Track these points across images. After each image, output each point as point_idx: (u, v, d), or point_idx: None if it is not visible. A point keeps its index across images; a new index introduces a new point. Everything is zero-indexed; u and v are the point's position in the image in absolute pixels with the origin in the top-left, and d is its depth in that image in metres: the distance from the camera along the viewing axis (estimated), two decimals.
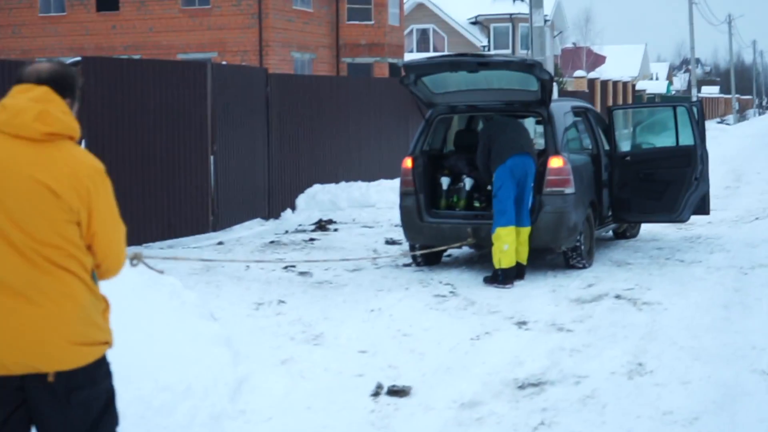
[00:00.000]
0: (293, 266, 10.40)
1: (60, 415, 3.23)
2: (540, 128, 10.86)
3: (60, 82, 3.29)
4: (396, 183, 17.39)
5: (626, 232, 12.39)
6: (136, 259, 4.25)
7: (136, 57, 31.24)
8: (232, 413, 5.40)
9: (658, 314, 7.96)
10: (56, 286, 3.18)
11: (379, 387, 5.99)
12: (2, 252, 3.15)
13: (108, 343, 3.35)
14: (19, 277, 3.15)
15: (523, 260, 9.56)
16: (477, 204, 10.47)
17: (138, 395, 4.93)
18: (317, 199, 15.55)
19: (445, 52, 50.34)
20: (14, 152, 3.17)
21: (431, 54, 49.04)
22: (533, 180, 9.62)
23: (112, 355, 3.37)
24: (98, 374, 3.30)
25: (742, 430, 5.16)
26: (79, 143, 3.42)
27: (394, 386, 5.98)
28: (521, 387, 6.03)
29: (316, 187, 15.82)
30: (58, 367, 3.17)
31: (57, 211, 3.17)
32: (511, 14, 53.22)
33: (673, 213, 11.16)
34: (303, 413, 5.56)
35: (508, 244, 9.27)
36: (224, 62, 29.79)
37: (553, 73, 9.89)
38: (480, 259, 10.54)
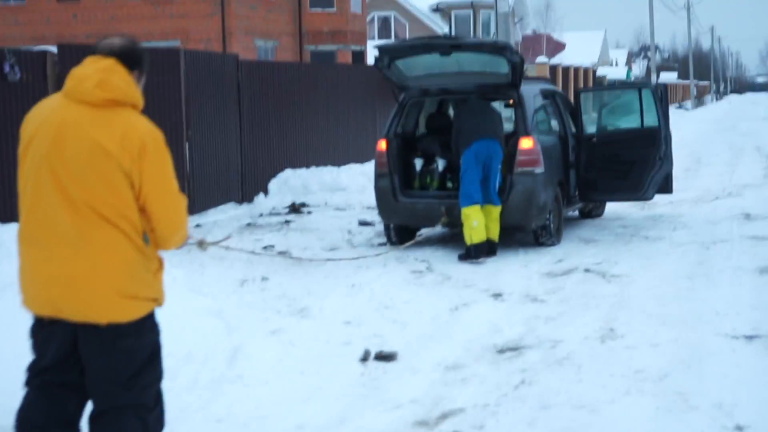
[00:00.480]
0: (272, 246, 10.68)
1: (105, 359, 3.57)
2: (510, 110, 11.19)
3: (128, 56, 3.63)
4: (365, 167, 17.78)
5: (592, 212, 12.79)
6: (203, 244, 4.53)
7: None
8: (230, 377, 5.69)
9: (626, 285, 8.35)
10: (103, 241, 3.50)
11: (367, 353, 6.30)
12: (59, 205, 3.50)
13: (156, 300, 3.69)
14: (71, 229, 3.49)
15: (495, 237, 9.91)
16: (449, 184, 10.81)
17: None
18: (289, 184, 15.79)
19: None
20: (77, 116, 3.52)
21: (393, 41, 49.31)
22: (500, 162, 9.95)
23: None
24: (144, 327, 3.64)
25: (708, 384, 5.54)
26: None
27: (381, 352, 6.31)
28: (501, 351, 6.38)
29: (288, 171, 16.06)
30: (109, 319, 3.51)
31: (111, 170, 3.49)
32: (472, 1, 53.56)
33: (638, 192, 11.56)
34: (297, 377, 5.87)
35: (477, 220, 9.63)
36: (180, 48, 29.91)
37: None
38: (453, 238, 10.88)
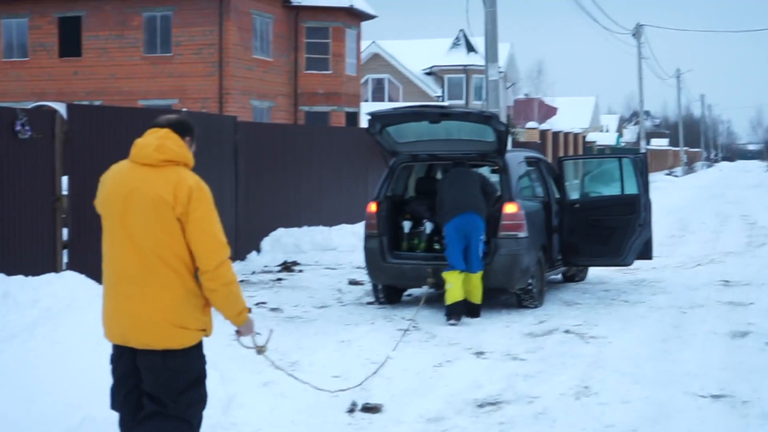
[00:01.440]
0: (264, 303, 11.05)
1: (157, 376, 4.34)
2: (496, 175, 11.66)
3: (178, 126, 4.53)
4: (356, 227, 18.22)
5: (575, 276, 13.20)
6: (261, 351, 5.06)
7: (98, 103, 31.83)
8: (225, 425, 6.05)
9: (603, 346, 8.74)
10: (158, 279, 4.29)
11: (354, 404, 6.68)
12: (127, 250, 4.34)
13: (205, 331, 4.46)
14: (136, 271, 4.32)
15: (477, 300, 10.30)
16: (436, 246, 11.23)
17: None
18: (281, 242, 16.20)
19: (401, 102, 51.46)
20: (141, 175, 4.38)
21: (386, 103, 50.12)
22: (482, 233, 10.28)
23: None
24: (191, 354, 4.40)
25: None
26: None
27: (367, 404, 6.67)
28: (480, 405, 6.75)
29: (280, 230, 16.48)
30: (164, 346, 4.30)
31: (167, 216, 4.28)
32: (464, 65, 54.58)
33: (618, 257, 11.99)
34: (288, 426, 6.23)
35: (451, 283, 10.03)
36: (184, 109, 30.48)
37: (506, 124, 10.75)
38: (439, 298, 11.26)
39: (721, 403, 6.73)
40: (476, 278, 10.24)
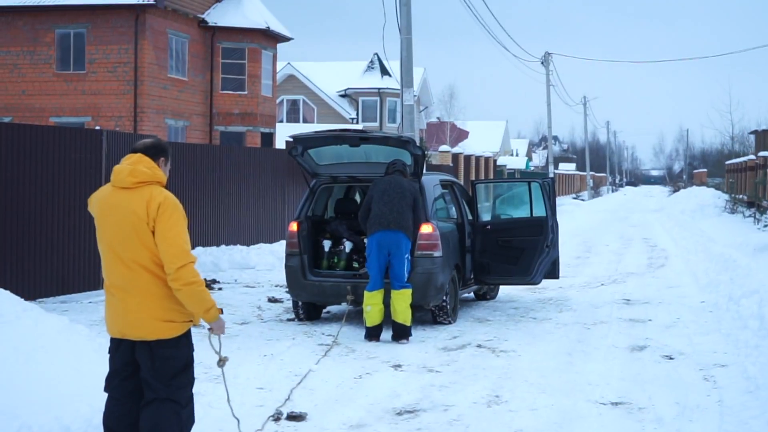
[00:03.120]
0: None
1: (151, 363, 5.11)
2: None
3: (150, 150, 5.22)
4: (274, 246, 18.55)
5: (486, 294, 13.76)
6: (222, 362, 5.70)
7: (7, 119, 31.44)
8: None
9: (513, 359, 9.27)
10: (141, 283, 5.05)
11: (279, 413, 7.03)
12: (114, 263, 5.09)
13: (191, 321, 5.21)
14: (122, 278, 5.08)
15: (406, 321, 10.24)
16: (356, 265, 11.66)
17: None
18: (200, 261, 16.40)
19: (315, 123, 51.83)
20: (120, 197, 5.10)
21: (301, 125, 50.42)
22: (407, 250, 10.37)
23: None
24: (180, 342, 5.19)
25: None
26: None
27: (292, 412, 7.04)
28: (399, 413, 7.19)
29: (199, 249, 16.69)
30: (156, 337, 5.08)
31: (143, 229, 4.99)
32: (379, 89, 55.20)
33: (527, 276, 12.55)
34: None
35: (371, 305, 10.27)
36: (98, 127, 30.31)
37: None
38: (357, 315, 11.67)
39: (619, 410, 7.30)
40: (403, 295, 10.18)
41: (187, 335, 5.25)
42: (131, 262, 5.04)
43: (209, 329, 5.36)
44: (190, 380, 5.31)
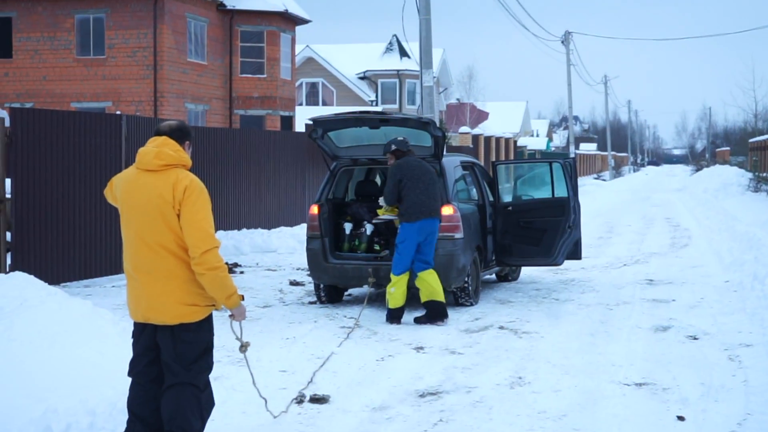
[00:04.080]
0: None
1: (174, 346, 5.13)
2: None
3: (176, 133, 5.20)
4: (295, 230, 18.57)
5: (508, 276, 13.71)
6: (244, 347, 5.80)
7: (29, 105, 31.57)
8: None
9: (535, 341, 9.24)
10: (166, 267, 5.03)
11: (302, 396, 7.04)
12: (139, 246, 5.06)
13: (214, 306, 5.19)
14: (147, 262, 5.05)
15: (441, 298, 10.18)
16: (377, 247, 11.64)
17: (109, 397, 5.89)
18: (222, 245, 16.34)
19: (335, 105, 51.79)
20: (146, 180, 5.08)
21: (321, 107, 50.40)
22: (436, 236, 10.38)
23: None
24: (202, 327, 5.20)
25: (600, 422, 6.42)
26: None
27: (315, 395, 7.05)
28: (422, 395, 7.18)
29: (220, 233, 16.72)
30: (179, 321, 5.08)
31: (168, 212, 4.98)
32: (398, 70, 55.11)
33: (549, 257, 12.49)
34: (239, 417, 6.57)
35: (395, 287, 10.19)
36: (118, 112, 30.41)
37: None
38: (379, 297, 11.68)
39: (643, 390, 7.26)
40: (430, 275, 10.17)
41: (209, 319, 5.26)
42: (156, 244, 5.03)
43: (230, 315, 5.36)
44: (210, 365, 5.34)
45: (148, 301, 5.10)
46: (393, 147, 10.53)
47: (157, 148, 5.10)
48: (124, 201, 5.15)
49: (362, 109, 17.25)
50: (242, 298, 5.28)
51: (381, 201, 11.25)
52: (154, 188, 5.03)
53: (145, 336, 5.25)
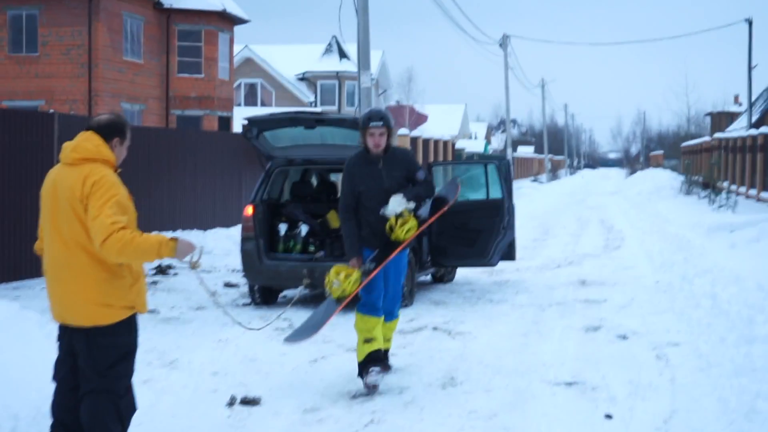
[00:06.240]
0: None
1: (87, 351, 4.88)
2: None
3: (102, 128, 5.01)
4: (231, 231, 18.43)
5: (444, 277, 13.76)
6: (195, 266, 5.15)
7: None
8: None
9: (468, 341, 9.28)
10: (78, 264, 4.83)
11: (233, 398, 6.98)
12: (54, 241, 4.90)
13: (133, 308, 4.97)
14: (60, 258, 4.88)
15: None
16: (312, 248, 11.60)
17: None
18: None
19: (273, 107, 51.53)
20: (64, 174, 4.93)
21: (259, 108, 50.11)
22: None
23: None
24: (119, 330, 4.92)
25: (529, 421, 6.47)
26: None
27: (246, 397, 6.99)
28: (354, 397, 7.16)
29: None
30: (91, 323, 4.83)
31: (76, 205, 4.79)
32: (337, 72, 55.09)
33: (483, 258, 12.57)
34: (169, 420, 6.48)
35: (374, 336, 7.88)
36: (51, 110, 29.89)
37: None
38: (313, 298, 11.63)
39: (573, 389, 7.33)
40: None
41: (128, 322, 4.98)
42: (70, 240, 4.85)
43: (190, 264, 5.04)
44: (128, 371, 5.05)
45: (62, 300, 4.93)
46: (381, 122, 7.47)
47: (77, 142, 4.96)
48: (43, 194, 5.01)
49: (298, 109, 17.19)
50: (174, 240, 4.87)
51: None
52: (67, 182, 4.87)
53: (66, 339, 5.04)
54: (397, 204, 7.33)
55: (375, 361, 7.35)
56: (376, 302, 7.40)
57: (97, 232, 4.68)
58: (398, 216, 7.36)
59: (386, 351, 7.87)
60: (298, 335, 7.16)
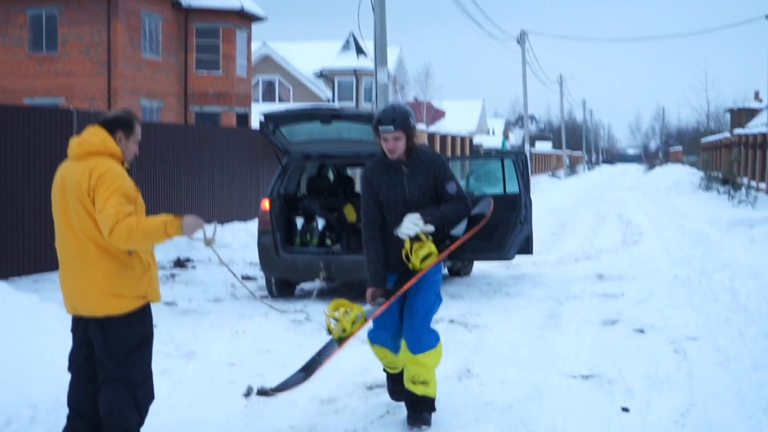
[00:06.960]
0: None
1: (103, 341, 4.97)
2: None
3: (107, 122, 5.06)
4: (248, 225, 18.51)
5: (460, 270, 13.76)
6: (209, 243, 4.93)
7: None
8: None
9: (485, 334, 9.28)
10: (90, 256, 4.91)
11: (250, 389, 7.01)
12: (66, 233, 4.97)
13: (144, 298, 5.02)
14: (72, 251, 4.96)
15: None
16: (328, 242, 11.63)
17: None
18: (174, 240, 16.30)
19: (291, 103, 51.63)
20: (71, 168, 5.00)
21: (277, 104, 50.21)
22: None
23: None
24: (133, 319, 5.00)
25: (545, 413, 6.46)
26: None
27: (262, 388, 7.01)
28: (370, 388, 7.18)
29: None
30: (104, 313, 4.92)
31: (84, 199, 4.86)
32: (355, 68, 55.11)
33: (500, 252, 12.57)
34: (186, 410, 6.52)
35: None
36: (71, 107, 30.06)
37: None
38: (329, 291, 11.66)
39: (589, 382, 7.33)
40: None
41: (141, 312, 5.04)
42: (80, 233, 4.91)
43: (204, 241, 4.88)
44: (145, 359, 5.10)
45: (74, 291, 4.99)
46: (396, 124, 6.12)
47: (83, 136, 5.02)
48: (54, 190, 5.07)
49: (314, 104, 17.25)
50: (179, 218, 4.73)
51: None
52: (75, 176, 4.93)
53: (80, 329, 5.10)
54: (410, 225, 6.06)
55: (428, 408, 6.25)
56: (386, 341, 6.43)
57: (104, 223, 4.75)
58: (413, 239, 6.13)
59: (432, 399, 6.29)
60: (289, 382, 6.02)
